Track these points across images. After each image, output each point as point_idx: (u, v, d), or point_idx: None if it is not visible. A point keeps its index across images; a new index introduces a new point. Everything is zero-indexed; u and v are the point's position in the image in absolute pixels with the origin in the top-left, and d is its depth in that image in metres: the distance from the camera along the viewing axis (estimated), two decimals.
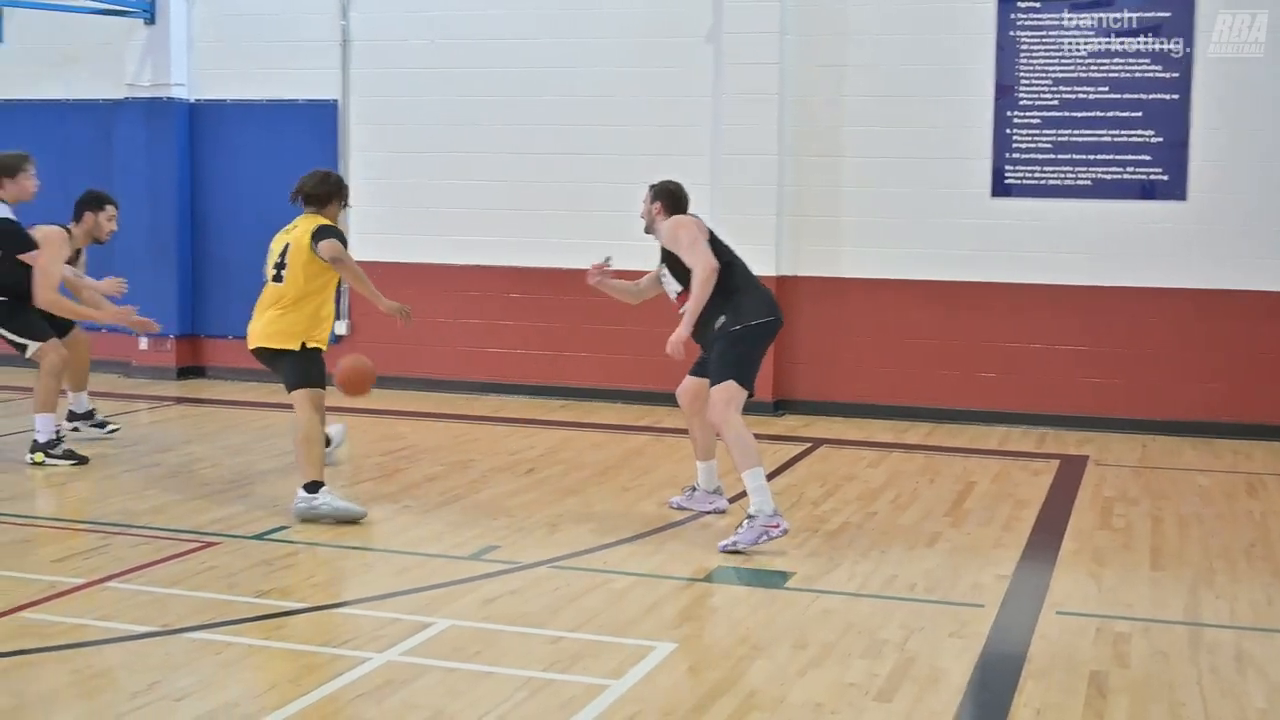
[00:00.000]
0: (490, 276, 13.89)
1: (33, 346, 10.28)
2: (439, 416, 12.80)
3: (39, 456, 10.19)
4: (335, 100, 13.88)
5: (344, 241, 8.89)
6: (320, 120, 14.04)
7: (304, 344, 8.91)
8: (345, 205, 9.13)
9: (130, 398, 13.39)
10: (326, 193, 8.91)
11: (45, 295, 10.25)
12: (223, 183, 14.01)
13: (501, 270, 13.84)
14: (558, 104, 13.59)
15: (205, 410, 13.02)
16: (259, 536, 8.35)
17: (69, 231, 10.54)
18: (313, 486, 8.74)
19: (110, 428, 11.26)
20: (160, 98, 14.30)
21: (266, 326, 8.88)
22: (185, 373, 14.65)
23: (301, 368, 8.86)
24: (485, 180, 13.80)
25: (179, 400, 13.49)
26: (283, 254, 8.90)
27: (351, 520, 8.78)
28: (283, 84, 14.07)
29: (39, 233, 10.31)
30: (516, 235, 13.77)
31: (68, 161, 14.44)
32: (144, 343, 14.38)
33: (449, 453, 11.08)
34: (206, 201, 14.40)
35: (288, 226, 8.97)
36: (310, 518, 8.75)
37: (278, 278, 8.88)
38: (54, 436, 10.21)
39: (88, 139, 14.59)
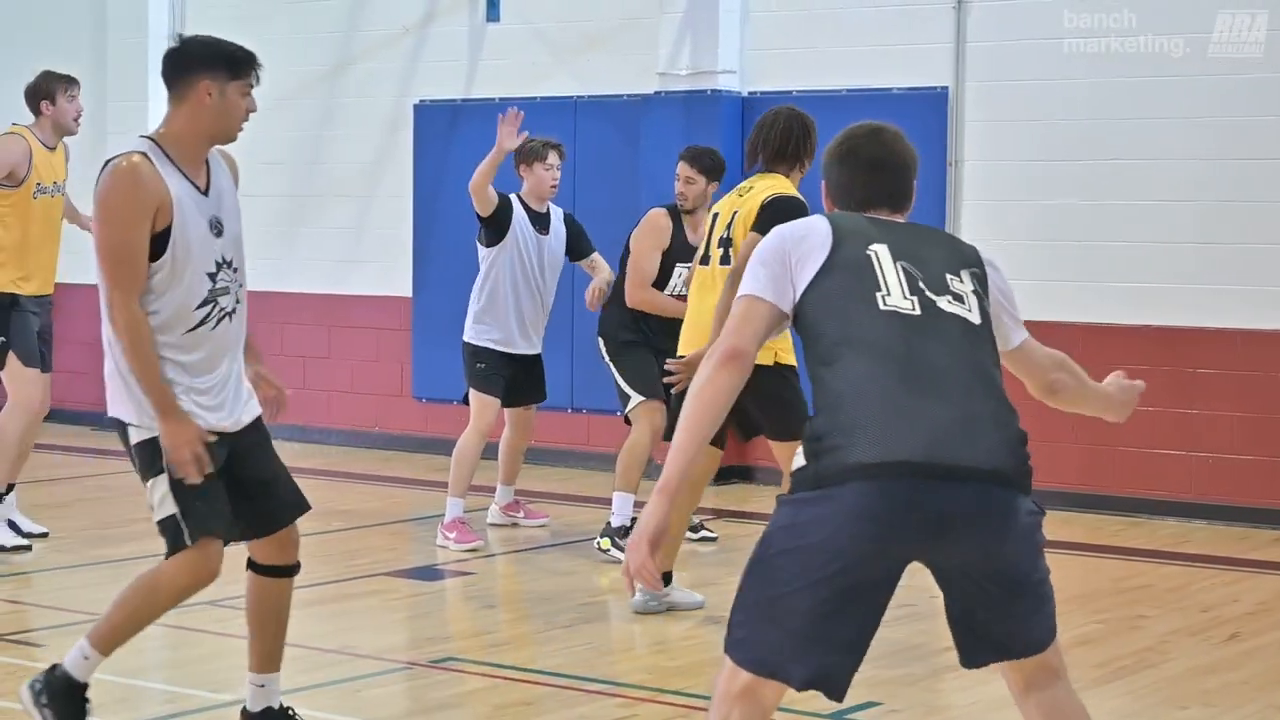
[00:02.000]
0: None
1: (634, 400, 9.52)
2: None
3: (605, 543, 9.43)
4: (946, 88, 11.95)
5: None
6: (926, 112, 12.15)
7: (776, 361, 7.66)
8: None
9: None
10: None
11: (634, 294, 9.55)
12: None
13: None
14: None
15: (746, 529, 9.93)
16: None
17: None
18: None
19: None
20: (702, 90, 12.62)
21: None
22: (726, 474, 12.56)
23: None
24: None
25: (718, 513, 11.08)
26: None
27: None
28: (873, 69, 12.39)
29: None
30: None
31: (579, 174, 13.01)
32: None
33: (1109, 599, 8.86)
34: None
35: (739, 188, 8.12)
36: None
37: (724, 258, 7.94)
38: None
39: (603, 143, 13.17)
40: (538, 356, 9.82)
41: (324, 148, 13.99)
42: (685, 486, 4.19)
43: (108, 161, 5.26)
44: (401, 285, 13.62)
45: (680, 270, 9.30)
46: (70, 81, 9.32)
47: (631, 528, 8.87)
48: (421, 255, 13.31)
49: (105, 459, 12.39)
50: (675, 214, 9.49)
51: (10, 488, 9.28)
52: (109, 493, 11.34)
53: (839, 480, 3.76)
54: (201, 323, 5.30)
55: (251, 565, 5.61)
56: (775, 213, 7.31)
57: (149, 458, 5.30)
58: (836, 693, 3.97)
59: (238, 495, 5.40)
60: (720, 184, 9.36)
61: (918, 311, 4.00)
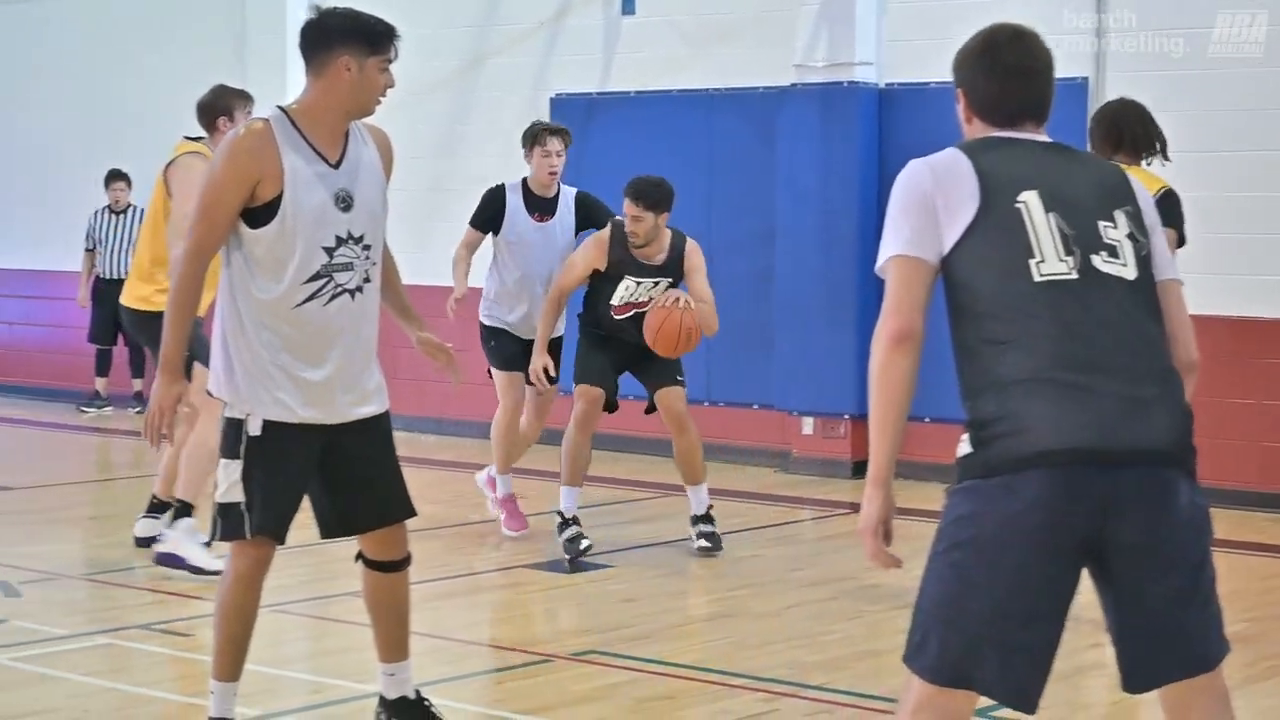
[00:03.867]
0: None
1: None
2: None
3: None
4: (1085, 79, 11.83)
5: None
6: (1067, 103, 11.60)
7: None
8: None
9: (789, 501, 11.45)
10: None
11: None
12: None
13: None
14: None
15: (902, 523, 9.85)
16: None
17: None
18: None
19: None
20: (839, 82, 12.52)
21: None
22: (864, 468, 11.57)
23: None
24: None
25: (855, 508, 10.60)
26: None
27: None
28: None
29: None
30: None
31: (715, 169, 12.99)
32: (808, 424, 12.53)
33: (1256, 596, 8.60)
34: None
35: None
36: None
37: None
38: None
39: (738, 137, 13.12)
40: (558, 340, 9.55)
41: (459, 142, 14.10)
42: (891, 475, 3.92)
43: None
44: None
45: (628, 282, 9.11)
46: (248, 98, 9.11)
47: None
48: None
49: None
50: (619, 232, 9.16)
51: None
52: None
53: (1013, 468, 3.61)
54: (311, 298, 5.27)
55: (363, 559, 5.61)
56: (1175, 204, 7.28)
57: (230, 438, 5.34)
58: (1027, 704, 3.72)
59: (330, 490, 5.40)
60: (669, 212, 9.11)
61: (1075, 275, 3.76)
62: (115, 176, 15.17)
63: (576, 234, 9.61)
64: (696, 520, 9.30)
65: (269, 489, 5.30)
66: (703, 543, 9.21)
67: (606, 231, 9.21)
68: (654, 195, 8.99)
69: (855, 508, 11.29)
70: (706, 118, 13.07)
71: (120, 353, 15.28)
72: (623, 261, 9.08)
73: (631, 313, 9.10)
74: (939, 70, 12.21)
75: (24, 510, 10.48)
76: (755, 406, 12.63)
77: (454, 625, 7.52)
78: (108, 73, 15.97)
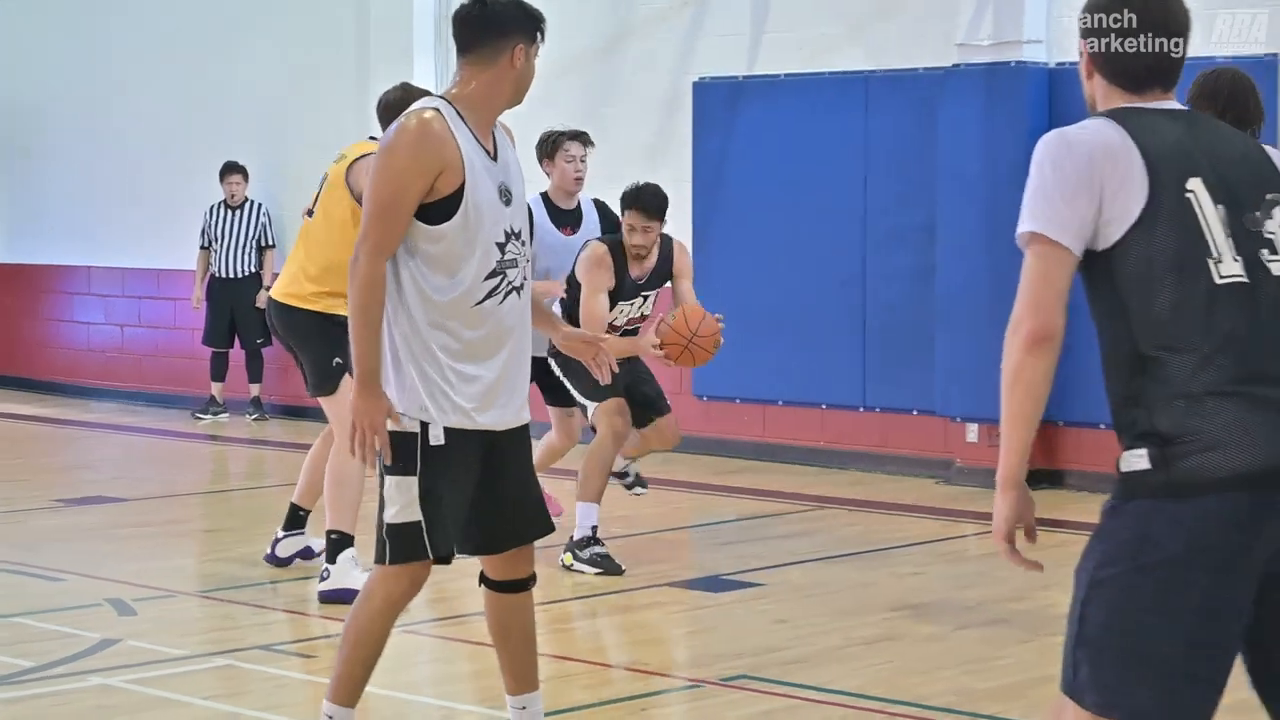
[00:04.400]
0: None
1: (591, 407, 9.46)
2: None
3: (568, 558, 9.39)
4: (1274, 55, 11.64)
5: None
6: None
7: None
8: None
9: (952, 515, 11.39)
10: None
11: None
12: None
13: None
14: None
15: (1063, 539, 9.89)
16: None
17: None
18: None
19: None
20: (1006, 62, 12.43)
21: None
22: (1033, 479, 11.60)
23: None
24: None
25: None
26: None
27: None
28: (1193, 36, 11.39)
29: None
30: None
31: (871, 156, 12.98)
32: (972, 431, 12.47)
33: None
34: None
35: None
36: None
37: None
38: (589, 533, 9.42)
39: (897, 121, 13.04)
40: (540, 360, 9.45)
41: (598, 129, 14.02)
42: (1024, 476, 3.86)
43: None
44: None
45: (623, 306, 9.17)
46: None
47: (593, 537, 9.18)
48: (701, 244, 13.35)
49: None
50: (618, 250, 9.18)
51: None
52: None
53: (1206, 489, 3.52)
54: (489, 295, 5.28)
55: (485, 581, 5.57)
56: None
57: (404, 454, 5.26)
58: None
59: (480, 503, 5.38)
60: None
61: (1248, 279, 3.65)
62: (231, 169, 15.37)
63: None
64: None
65: (450, 505, 5.28)
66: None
67: (606, 252, 9.17)
68: (663, 205, 9.13)
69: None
70: (862, 102, 13.04)
71: (237, 356, 15.47)
72: (622, 284, 9.16)
73: (632, 327, 9.31)
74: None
75: (136, 524, 10.61)
76: (915, 412, 12.58)
77: (596, 648, 7.53)
78: (219, 60, 16.19)
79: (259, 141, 15.82)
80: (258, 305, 15.14)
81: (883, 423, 12.61)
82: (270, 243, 15.43)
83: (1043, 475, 12.36)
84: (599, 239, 9.33)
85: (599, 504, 9.18)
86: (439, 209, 5.20)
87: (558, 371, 9.36)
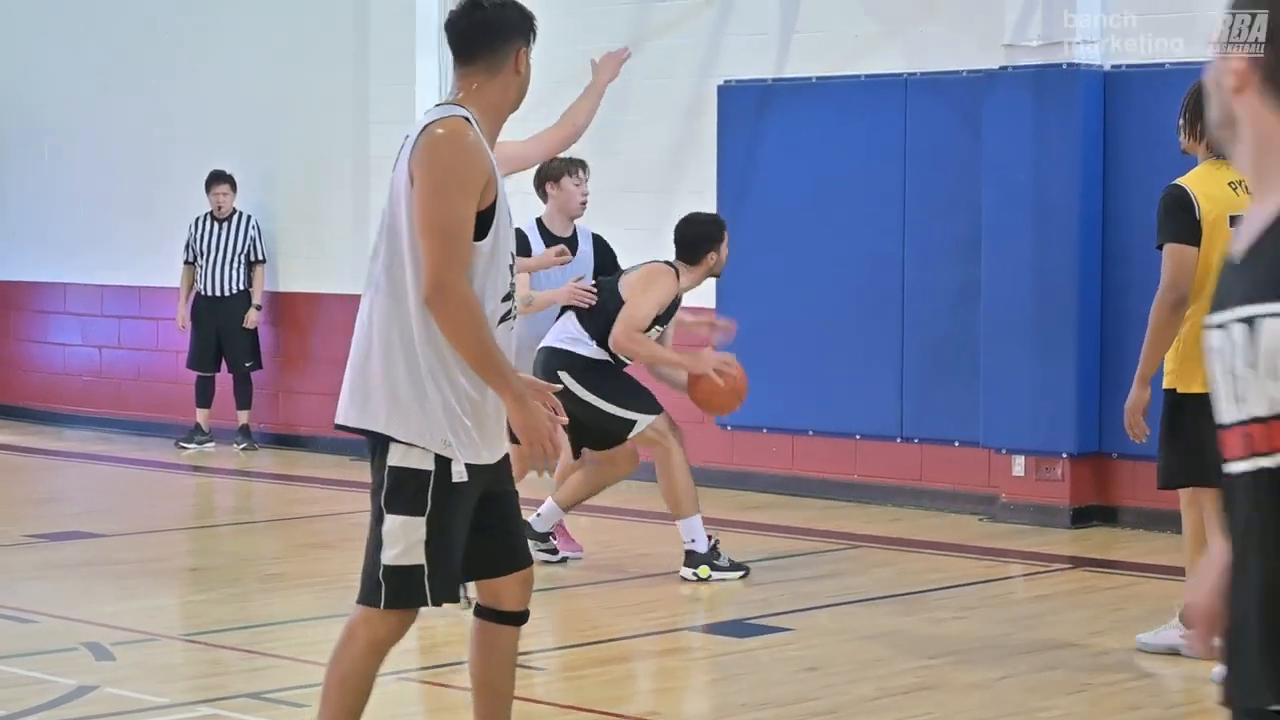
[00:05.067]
0: None
1: (642, 422, 10.08)
2: None
3: (704, 570, 10.04)
4: None
5: None
6: None
7: None
8: None
9: (996, 554, 11.53)
10: None
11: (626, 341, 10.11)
12: (1152, 203, 11.45)
13: None
14: None
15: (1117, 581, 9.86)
16: None
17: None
18: None
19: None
20: (1056, 64, 12.56)
21: None
22: (1084, 516, 12.52)
23: None
24: None
25: (1075, 562, 11.14)
26: None
27: None
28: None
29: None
30: None
31: (910, 164, 13.10)
32: (1019, 464, 12.59)
33: None
34: (1124, 230, 12.58)
35: None
36: None
37: None
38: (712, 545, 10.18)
39: (939, 127, 13.16)
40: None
41: (617, 136, 14.20)
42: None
43: (424, 127, 5.36)
44: (704, 294, 13.79)
45: (656, 330, 9.97)
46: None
47: (715, 545, 10.05)
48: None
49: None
50: (677, 277, 10.09)
51: None
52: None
53: None
54: (502, 319, 5.39)
55: (480, 612, 5.63)
56: None
57: (412, 491, 5.30)
58: None
59: (481, 527, 5.45)
60: None
61: None
62: (217, 179, 15.46)
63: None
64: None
65: (457, 547, 5.36)
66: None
67: (672, 273, 10.08)
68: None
69: (1075, 562, 11.41)
70: (901, 106, 13.16)
71: (224, 380, 15.55)
72: (669, 310, 10.10)
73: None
74: (1175, 49, 12.57)
75: (116, 561, 10.71)
76: (957, 444, 12.68)
77: (608, 697, 7.58)
78: (204, 61, 16.31)
79: (247, 149, 15.90)
80: (246, 326, 15.25)
81: (922, 454, 12.70)
82: (260, 257, 15.50)
83: (1094, 512, 12.48)
84: (667, 263, 10.13)
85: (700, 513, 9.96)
86: (476, 225, 5.31)
87: (583, 393, 9.67)
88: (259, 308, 15.44)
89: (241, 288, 15.46)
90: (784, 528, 11.83)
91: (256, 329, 15.47)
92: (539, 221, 10.21)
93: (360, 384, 5.35)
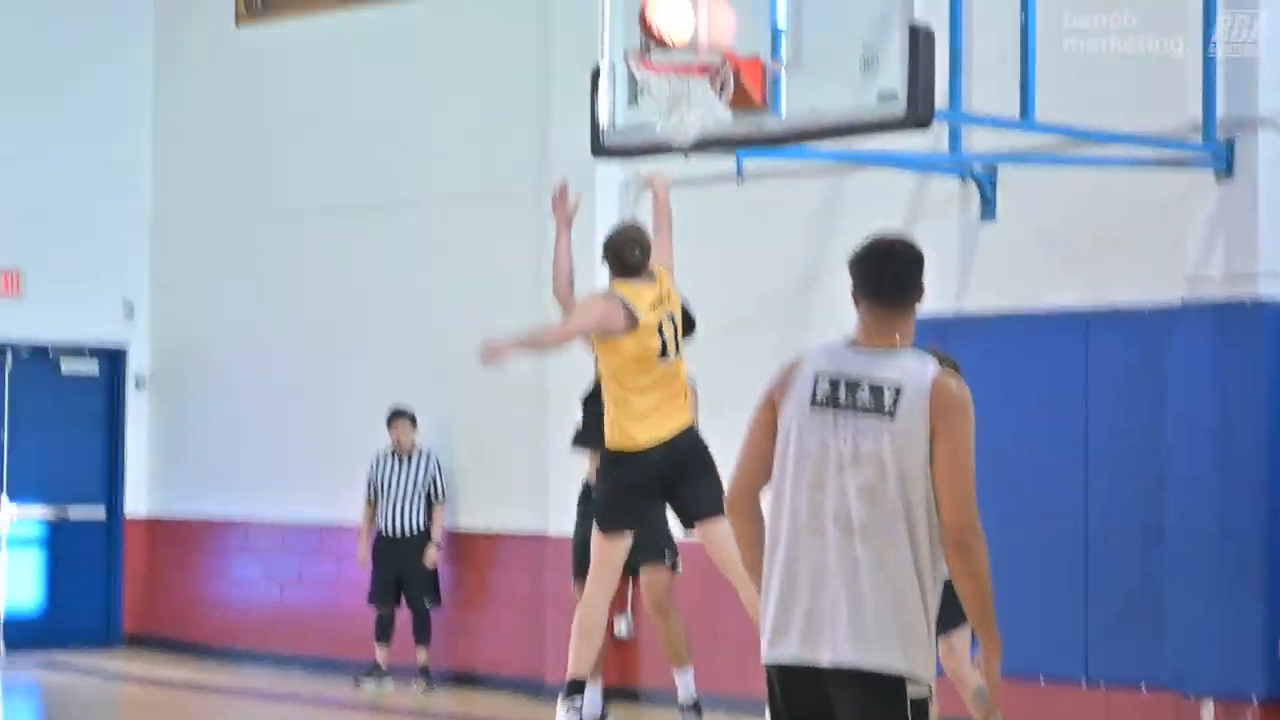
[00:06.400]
0: None
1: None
2: None
3: None
4: None
5: None
6: None
7: None
8: None
9: None
10: None
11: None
12: None
13: None
14: None
15: None
16: None
17: None
18: None
19: None
20: (1239, 298, 12.46)
21: None
22: None
23: None
24: None
25: None
26: None
27: None
28: None
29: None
30: None
31: (1092, 399, 13.11)
32: (1208, 709, 12.39)
33: None
34: None
35: None
36: None
37: None
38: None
39: (1121, 363, 13.13)
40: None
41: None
42: None
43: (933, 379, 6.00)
44: None
45: None
46: None
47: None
48: None
49: None
50: None
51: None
52: None
53: None
54: None
55: None
56: None
57: None
58: None
59: None
60: None
61: None
62: (398, 415, 15.66)
63: None
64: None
65: None
66: None
67: None
68: None
69: None
70: (1082, 341, 13.15)
71: (403, 617, 15.65)
72: None
73: None
74: None
75: None
76: (1143, 688, 12.56)
77: None
78: (387, 297, 16.62)
79: (427, 386, 16.10)
80: (426, 564, 15.39)
81: (1108, 700, 12.53)
82: (440, 497, 15.67)
83: None
84: None
85: None
86: None
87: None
88: (439, 546, 15.57)
89: (421, 527, 15.64)
90: None
91: (436, 567, 15.60)
92: None
93: (876, 626, 5.78)
